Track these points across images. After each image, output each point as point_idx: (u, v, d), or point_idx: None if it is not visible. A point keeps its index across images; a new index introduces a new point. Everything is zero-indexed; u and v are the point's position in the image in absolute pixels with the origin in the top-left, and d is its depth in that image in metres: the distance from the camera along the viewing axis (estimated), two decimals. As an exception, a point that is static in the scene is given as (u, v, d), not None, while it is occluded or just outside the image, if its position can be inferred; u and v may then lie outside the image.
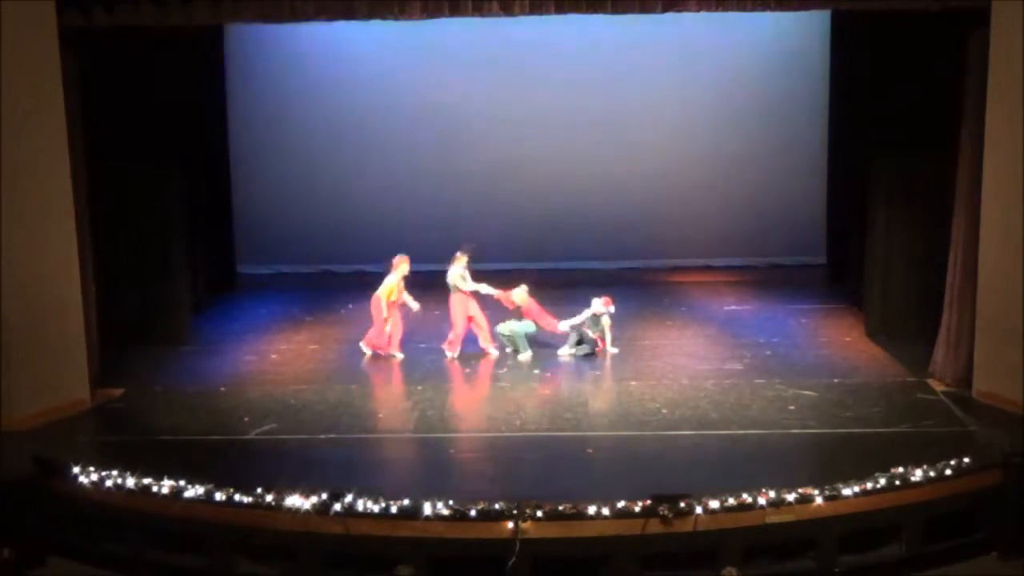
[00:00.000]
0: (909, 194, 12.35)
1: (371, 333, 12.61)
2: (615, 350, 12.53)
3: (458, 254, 12.62)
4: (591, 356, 12.49)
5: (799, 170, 15.92)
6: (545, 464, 9.78)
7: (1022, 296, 10.40)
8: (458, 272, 12.56)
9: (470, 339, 12.75)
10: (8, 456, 9.66)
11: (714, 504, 8.43)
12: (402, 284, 12.53)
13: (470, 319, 12.63)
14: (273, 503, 8.61)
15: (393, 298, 12.43)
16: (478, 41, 15.49)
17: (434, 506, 8.44)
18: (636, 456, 9.85)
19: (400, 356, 12.49)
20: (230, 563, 8.77)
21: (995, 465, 9.08)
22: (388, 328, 12.47)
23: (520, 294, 12.59)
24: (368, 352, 12.62)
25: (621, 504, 8.42)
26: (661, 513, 8.37)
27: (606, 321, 12.44)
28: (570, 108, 15.97)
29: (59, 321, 10.84)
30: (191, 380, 11.89)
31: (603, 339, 12.48)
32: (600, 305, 12.42)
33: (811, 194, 15.76)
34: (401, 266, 12.50)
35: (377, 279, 15.84)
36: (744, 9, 10.91)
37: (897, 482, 8.74)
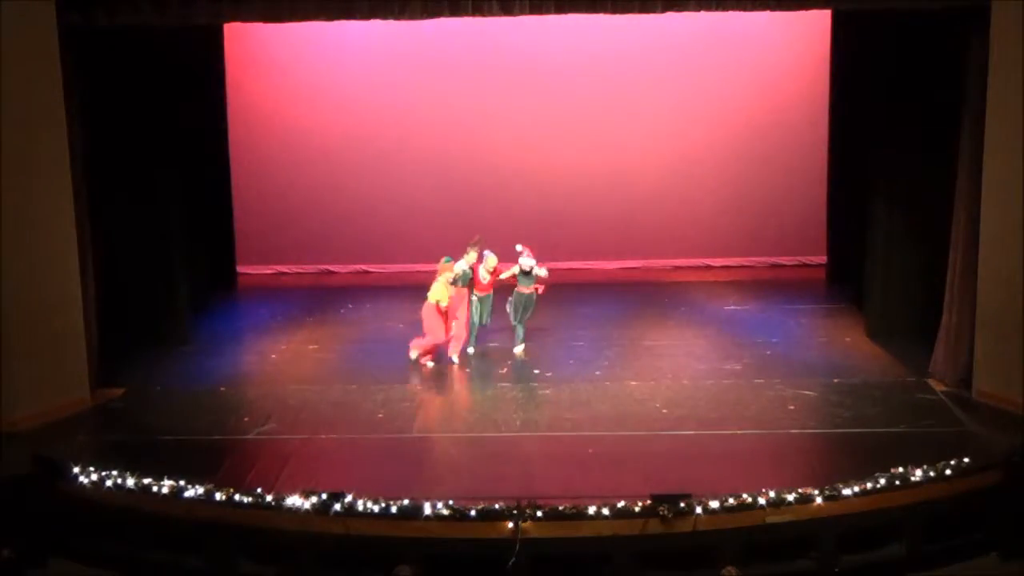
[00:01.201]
0: (909, 194, 12.34)
1: (420, 339, 12.19)
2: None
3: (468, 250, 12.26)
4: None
5: (799, 170, 15.90)
6: (545, 464, 9.79)
7: (1022, 296, 10.41)
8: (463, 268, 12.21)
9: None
10: (8, 456, 9.66)
11: (714, 504, 8.44)
12: (451, 288, 12.01)
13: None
14: (273, 503, 8.62)
15: (445, 304, 11.99)
16: (479, 41, 15.47)
17: (434, 506, 8.44)
18: (636, 456, 9.85)
19: (456, 360, 12.21)
20: (230, 563, 8.78)
21: (995, 465, 9.09)
22: (454, 331, 12.14)
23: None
24: (425, 361, 12.17)
25: (621, 504, 8.43)
26: (661, 513, 8.37)
27: (539, 271, 12.26)
28: (570, 108, 15.96)
29: (59, 321, 10.84)
30: (191, 380, 11.89)
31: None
32: (527, 257, 12.25)
33: (811, 194, 15.74)
34: (446, 273, 12.03)
35: (377, 279, 16.00)
36: (744, 9, 10.92)
37: (897, 482, 8.75)
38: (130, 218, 12.50)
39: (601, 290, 14.51)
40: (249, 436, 10.40)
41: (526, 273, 12.32)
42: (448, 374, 12.06)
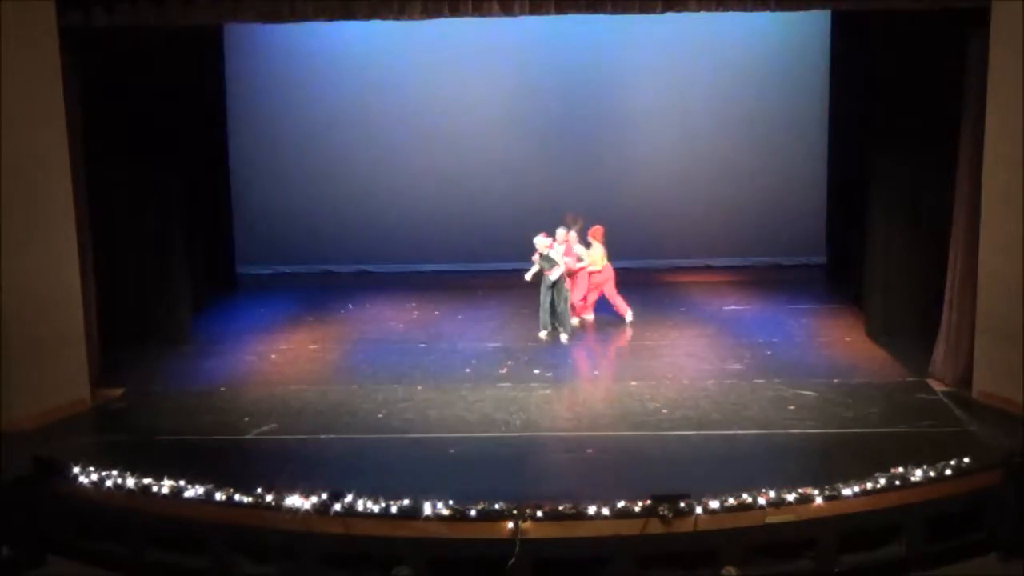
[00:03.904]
0: (909, 194, 12.35)
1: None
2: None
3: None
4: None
5: (799, 170, 15.91)
6: (545, 464, 9.79)
7: (1022, 296, 10.41)
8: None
9: (476, 337, 12.78)
10: (8, 456, 9.66)
11: (714, 504, 8.43)
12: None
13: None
14: (273, 503, 8.61)
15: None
16: (479, 42, 15.48)
17: (434, 506, 8.44)
18: (636, 456, 9.85)
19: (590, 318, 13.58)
20: (230, 563, 8.77)
21: (995, 465, 9.08)
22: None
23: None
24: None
25: (621, 504, 8.42)
26: (661, 513, 8.37)
27: (554, 254, 12.81)
28: (570, 108, 15.98)
29: (59, 321, 10.83)
30: (191, 380, 11.89)
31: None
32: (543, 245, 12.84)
33: (811, 194, 15.76)
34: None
35: (377, 279, 16.01)
36: (744, 9, 10.91)
37: (897, 482, 8.74)
38: (130, 218, 12.51)
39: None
40: (249, 436, 10.39)
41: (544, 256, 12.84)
42: (448, 374, 12.04)
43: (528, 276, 12.89)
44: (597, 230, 13.36)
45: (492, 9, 10.83)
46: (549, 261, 12.73)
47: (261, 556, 8.78)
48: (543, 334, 12.93)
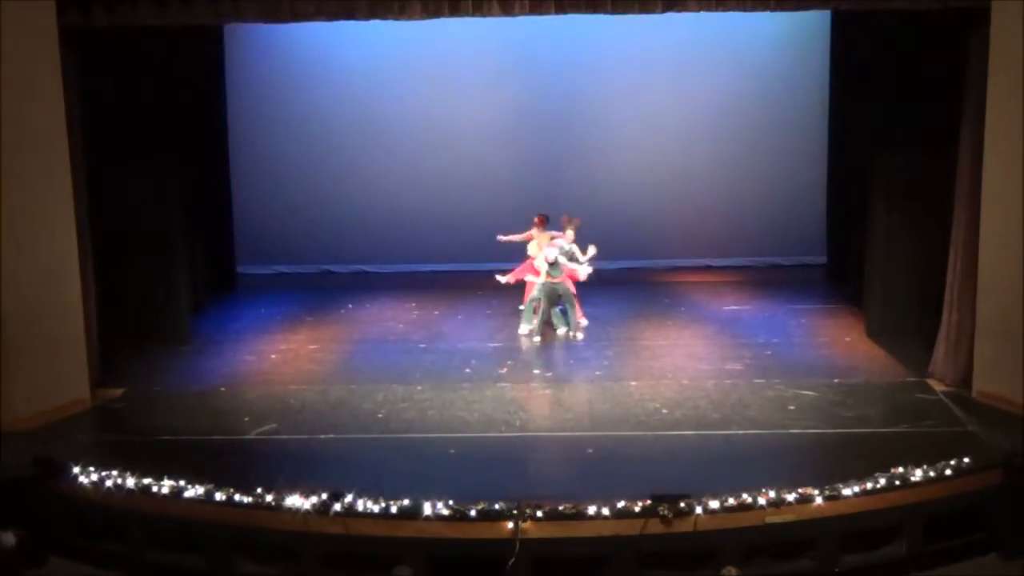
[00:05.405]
0: (909, 194, 12.35)
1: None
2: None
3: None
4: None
5: (799, 170, 15.90)
6: (545, 464, 9.79)
7: (1022, 296, 10.41)
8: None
9: (475, 341, 12.80)
10: (8, 456, 9.66)
11: (714, 504, 8.44)
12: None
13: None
14: (273, 503, 8.62)
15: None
16: (478, 42, 15.48)
17: (434, 506, 8.45)
18: (636, 456, 9.84)
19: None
20: (230, 563, 8.78)
21: (995, 465, 9.09)
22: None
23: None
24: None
25: (621, 504, 8.43)
26: (661, 513, 8.38)
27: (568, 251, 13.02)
28: (569, 109, 15.97)
29: (59, 321, 10.83)
30: (191, 380, 11.89)
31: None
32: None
33: (811, 194, 15.74)
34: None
35: (376, 279, 16.00)
36: (744, 9, 10.90)
37: (897, 482, 8.75)
38: (130, 218, 12.50)
39: (601, 290, 14.48)
40: (249, 436, 10.39)
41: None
42: (448, 374, 12.05)
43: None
44: (543, 219, 13.58)
45: (492, 9, 10.82)
46: (558, 268, 12.76)
47: (261, 556, 8.79)
48: (536, 339, 12.92)
